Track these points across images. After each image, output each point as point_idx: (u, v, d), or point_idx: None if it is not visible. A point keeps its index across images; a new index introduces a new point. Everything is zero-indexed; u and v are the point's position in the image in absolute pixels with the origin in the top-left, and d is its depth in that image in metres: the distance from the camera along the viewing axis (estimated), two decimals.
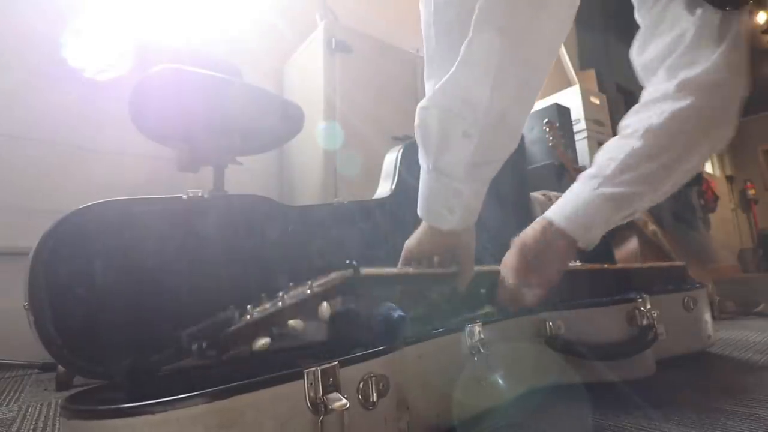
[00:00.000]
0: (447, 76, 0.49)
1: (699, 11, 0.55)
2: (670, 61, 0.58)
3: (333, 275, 0.42)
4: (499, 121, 0.49)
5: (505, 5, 0.46)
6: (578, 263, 0.81)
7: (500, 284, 0.57)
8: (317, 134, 1.36)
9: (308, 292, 0.38)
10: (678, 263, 0.82)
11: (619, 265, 0.67)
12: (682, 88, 0.56)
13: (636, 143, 0.56)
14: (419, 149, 0.54)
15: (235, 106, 1.04)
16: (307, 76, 1.49)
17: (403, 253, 0.57)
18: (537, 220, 0.59)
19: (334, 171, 1.33)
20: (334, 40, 1.40)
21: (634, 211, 0.57)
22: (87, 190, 1.24)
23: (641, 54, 0.63)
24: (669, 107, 0.56)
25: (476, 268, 0.58)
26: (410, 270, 0.54)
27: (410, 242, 0.58)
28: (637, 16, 0.64)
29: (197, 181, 1.27)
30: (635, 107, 0.61)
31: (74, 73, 1.24)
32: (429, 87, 0.54)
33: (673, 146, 0.56)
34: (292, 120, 1.16)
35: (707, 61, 0.55)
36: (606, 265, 0.78)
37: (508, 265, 0.57)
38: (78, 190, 1.21)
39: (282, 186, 1.65)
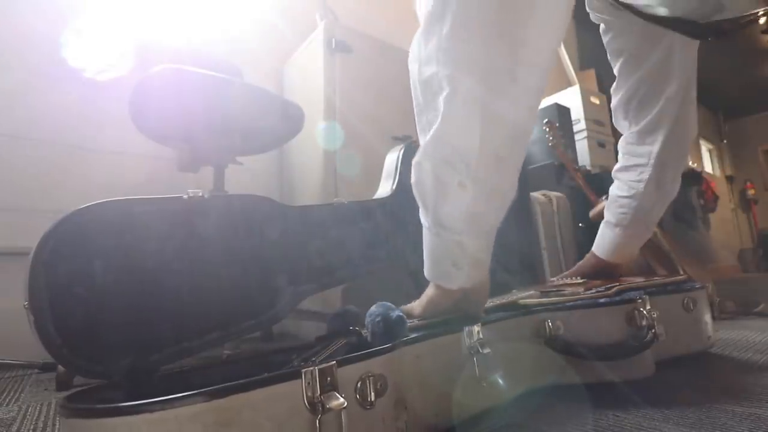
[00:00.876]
0: (434, 129, 0.48)
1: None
2: (640, 127, 0.79)
3: (336, 343, 0.44)
4: (494, 168, 0.49)
5: (482, 50, 0.46)
6: (580, 280, 0.83)
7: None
8: (317, 134, 1.36)
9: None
10: (679, 278, 0.83)
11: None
12: (659, 158, 0.78)
13: (639, 201, 0.80)
14: (420, 207, 0.52)
15: (235, 106, 1.04)
16: (307, 76, 1.49)
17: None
18: (590, 256, 0.91)
19: (334, 171, 1.33)
20: (334, 40, 1.40)
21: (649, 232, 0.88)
22: (87, 190, 1.24)
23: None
24: (654, 174, 0.78)
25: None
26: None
27: (414, 308, 0.55)
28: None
29: (197, 181, 1.27)
30: (625, 165, 0.83)
31: (74, 73, 1.25)
32: (422, 140, 0.52)
33: (667, 196, 0.81)
34: (292, 120, 1.16)
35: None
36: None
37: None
38: (78, 190, 1.21)
39: (282, 186, 1.65)
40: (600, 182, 2.00)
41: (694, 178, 1.99)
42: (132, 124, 1.06)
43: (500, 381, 0.47)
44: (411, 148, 0.91)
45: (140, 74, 0.99)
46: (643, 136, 0.78)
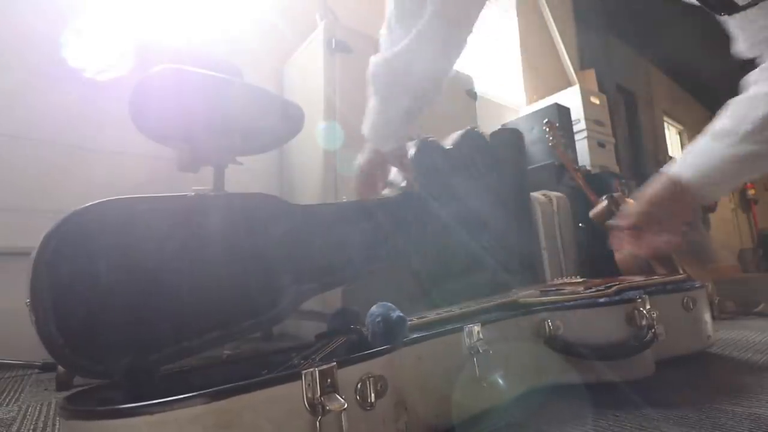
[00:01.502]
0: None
1: None
2: None
3: (336, 341, 0.44)
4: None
5: None
6: (579, 278, 0.82)
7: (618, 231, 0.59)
8: (317, 134, 1.36)
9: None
10: (679, 277, 0.82)
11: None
12: None
13: None
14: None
15: (235, 106, 1.04)
16: (307, 76, 1.49)
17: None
18: (660, 176, 0.58)
19: (334, 171, 1.33)
20: (334, 40, 1.40)
21: (762, 172, 0.55)
22: (87, 190, 1.24)
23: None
24: None
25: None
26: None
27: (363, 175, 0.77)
28: None
29: (197, 181, 1.27)
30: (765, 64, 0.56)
31: (74, 73, 1.24)
32: None
33: None
34: (292, 120, 1.16)
35: None
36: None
37: (631, 209, 0.59)
38: (78, 190, 1.21)
39: (282, 186, 1.65)
40: (600, 182, 2.00)
41: None
42: (132, 124, 1.06)
43: (500, 381, 0.47)
44: (418, 147, 0.91)
45: (140, 74, 0.99)
46: None
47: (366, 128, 0.75)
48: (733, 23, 0.59)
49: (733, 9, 0.53)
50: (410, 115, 0.70)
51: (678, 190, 0.56)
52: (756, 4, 0.51)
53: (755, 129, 0.52)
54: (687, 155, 0.58)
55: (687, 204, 0.56)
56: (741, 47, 0.59)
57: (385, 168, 0.80)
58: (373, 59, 0.66)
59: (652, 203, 0.57)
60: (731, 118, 0.55)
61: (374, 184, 0.78)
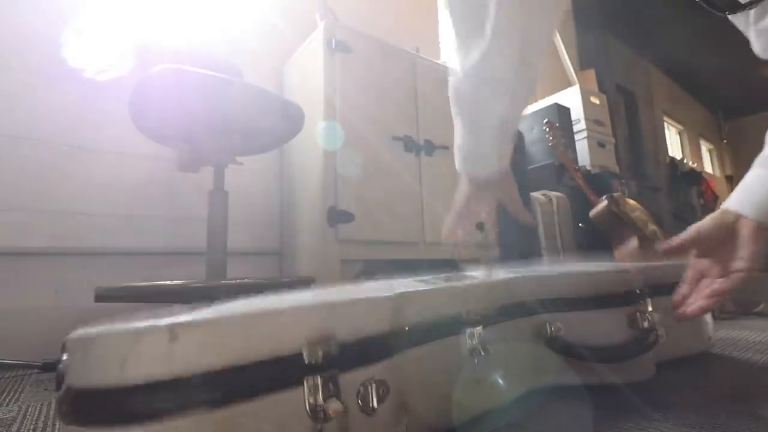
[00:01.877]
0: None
1: None
2: None
3: None
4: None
5: None
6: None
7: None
8: (317, 134, 1.36)
9: None
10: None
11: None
12: None
13: None
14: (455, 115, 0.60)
15: (235, 106, 1.04)
16: (307, 76, 1.49)
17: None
18: (723, 211, 0.55)
19: (334, 171, 1.33)
20: (334, 40, 1.40)
21: None
22: (87, 190, 1.24)
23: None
24: None
25: None
26: None
27: (455, 204, 0.64)
28: None
29: (197, 181, 1.28)
30: None
31: (74, 73, 1.24)
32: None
33: None
34: (292, 120, 1.16)
35: None
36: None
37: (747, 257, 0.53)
38: (78, 190, 1.21)
39: (282, 186, 1.65)
40: (600, 182, 2.00)
41: (694, 178, 2.00)
42: (132, 124, 1.06)
43: (500, 382, 0.47)
44: None
45: (140, 74, 0.99)
46: None
47: (456, 158, 0.63)
48: (742, 23, 0.58)
49: (736, 8, 0.52)
50: (505, 125, 0.58)
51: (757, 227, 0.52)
52: (759, 1, 0.51)
53: None
54: (743, 186, 0.56)
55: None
56: (756, 49, 0.59)
57: (483, 202, 0.65)
58: (452, 78, 0.58)
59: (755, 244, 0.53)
60: None
61: (463, 224, 0.65)
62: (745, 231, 0.52)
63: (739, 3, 0.51)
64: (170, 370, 0.28)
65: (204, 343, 0.29)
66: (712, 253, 0.55)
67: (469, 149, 0.61)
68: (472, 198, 0.63)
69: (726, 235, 0.54)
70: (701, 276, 0.56)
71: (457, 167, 0.63)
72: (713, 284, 0.53)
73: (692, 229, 0.56)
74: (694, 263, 0.57)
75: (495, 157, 0.60)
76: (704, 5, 0.53)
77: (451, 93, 0.58)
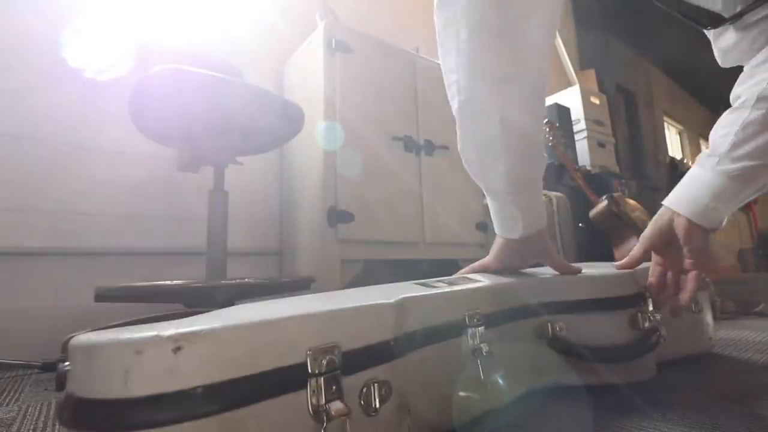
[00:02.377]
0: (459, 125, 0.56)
1: None
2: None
3: None
4: (517, 141, 0.54)
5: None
6: None
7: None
8: (317, 134, 1.36)
9: None
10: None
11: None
12: None
13: (748, 114, 0.53)
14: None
15: (235, 106, 1.04)
16: (307, 76, 1.49)
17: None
18: (661, 211, 0.59)
19: (334, 171, 1.33)
20: (334, 40, 1.40)
21: (765, 185, 0.55)
22: (87, 190, 1.24)
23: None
24: None
25: None
26: None
27: (487, 263, 0.64)
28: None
29: (197, 181, 1.28)
30: (742, 75, 0.57)
31: (74, 73, 1.24)
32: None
33: None
34: (292, 120, 1.16)
35: None
36: None
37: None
38: (78, 190, 1.21)
39: (282, 186, 1.65)
40: (600, 182, 2.00)
41: None
42: (132, 124, 1.06)
43: (501, 382, 0.47)
44: None
45: (140, 74, 0.99)
46: None
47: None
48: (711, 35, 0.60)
49: (719, 23, 0.54)
50: (516, 185, 0.57)
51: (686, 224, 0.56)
52: (740, 17, 0.52)
53: (731, 148, 0.54)
54: (679, 185, 0.59)
55: (705, 234, 0.56)
56: (720, 62, 0.61)
57: (517, 259, 0.65)
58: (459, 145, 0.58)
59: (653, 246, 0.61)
60: (714, 138, 0.57)
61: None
62: (679, 230, 0.56)
63: (723, 18, 0.52)
64: (173, 382, 0.28)
65: (207, 354, 0.29)
66: (664, 253, 0.60)
67: (495, 213, 0.62)
68: (505, 253, 0.64)
69: (668, 235, 0.58)
70: (665, 270, 0.61)
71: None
72: (684, 283, 0.58)
73: (640, 242, 0.61)
74: (655, 260, 0.62)
75: (520, 220, 0.58)
76: (688, 21, 0.54)
77: (464, 164, 0.59)
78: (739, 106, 0.55)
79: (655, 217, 0.60)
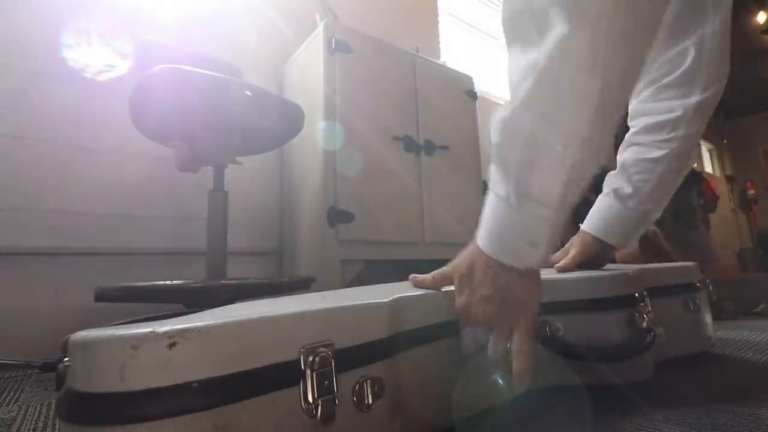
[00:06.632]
0: (536, 74, 0.37)
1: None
2: (668, 80, 0.64)
3: None
4: (602, 127, 0.39)
5: None
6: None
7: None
8: (317, 134, 1.36)
9: None
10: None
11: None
12: (698, 110, 0.63)
13: (665, 166, 0.65)
14: (494, 173, 0.43)
15: (235, 106, 1.04)
16: (307, 76, 1.49)
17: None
18: (584, 237, 0.72)
19: (334, 171, 1.33)
20: (334, 40, 1.40)
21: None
22: (87, 190, 1.24)
23: None
24: (687, 130, 0.64)
25: None
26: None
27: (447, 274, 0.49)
28: None
29: (197, 181, 1.28)
30: (651, 124, 0.67)
31: (74, 73, 1.25)
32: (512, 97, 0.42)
33: (688, 166, 0.67)
34: (292, 120, 1.16)
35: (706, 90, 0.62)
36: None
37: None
38: (78, 190, 1.21)
39: (282, 186, 1.65)
40: (600, 182, 1.99)
41: (694, 178, 2.00)
42: (132, 124, 1.06)
43: (500, 381, 0.47)
44: None
45: (140, 74, 0.99)
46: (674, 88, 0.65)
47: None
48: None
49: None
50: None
51: (593, 245, 0.72)
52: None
53: (650, 192, 0.67)
54: (598, 213, 0.74)
55: (607, 250, 0.72)
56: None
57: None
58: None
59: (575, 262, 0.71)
60: (634, 180, 0.69)
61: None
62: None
63: None
64: (168, 376, 0.28)
65: (202, 350, 0.30)
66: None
67: (511, 229, 0.45)
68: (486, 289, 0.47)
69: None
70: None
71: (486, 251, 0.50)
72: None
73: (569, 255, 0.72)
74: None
75: (544, 242, 0.44)
76: None
77: (495, 149, 0.43)
78: (656, 157, 0.67)
79: (580, 241, 0.74)
